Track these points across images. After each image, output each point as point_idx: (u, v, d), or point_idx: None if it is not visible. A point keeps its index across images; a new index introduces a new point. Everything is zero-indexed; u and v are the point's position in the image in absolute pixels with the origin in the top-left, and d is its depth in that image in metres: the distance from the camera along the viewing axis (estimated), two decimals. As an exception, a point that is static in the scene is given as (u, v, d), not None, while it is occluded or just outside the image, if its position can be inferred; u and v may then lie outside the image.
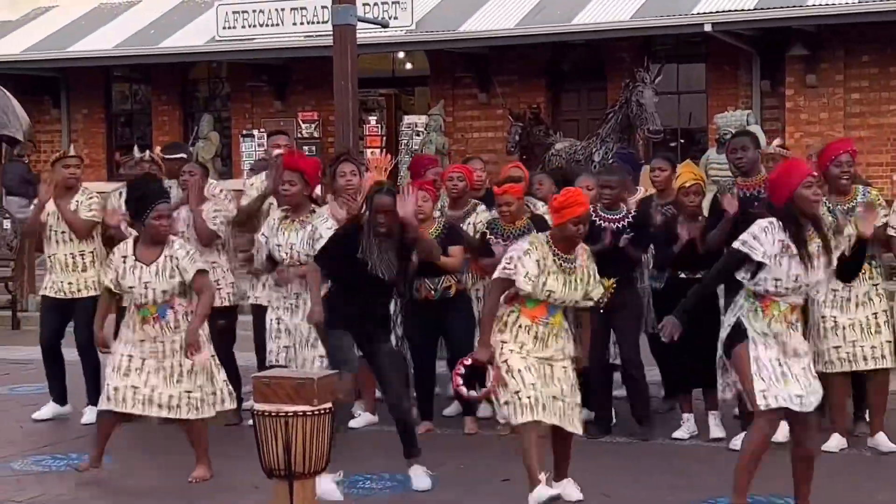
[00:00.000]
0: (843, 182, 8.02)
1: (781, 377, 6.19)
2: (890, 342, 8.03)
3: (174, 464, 7.99)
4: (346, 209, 8.34)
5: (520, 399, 6.58)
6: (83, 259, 9.38)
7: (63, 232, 9.35)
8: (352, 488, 7.40)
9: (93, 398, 9.08)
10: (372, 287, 7.35)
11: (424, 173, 9.52)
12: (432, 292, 8.71)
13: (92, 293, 9.17)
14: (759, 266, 6.23)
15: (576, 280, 6.80)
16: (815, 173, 6.63)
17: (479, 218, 9.13)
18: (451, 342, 8.88)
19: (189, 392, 7.66)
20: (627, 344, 8.60)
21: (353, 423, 9.09)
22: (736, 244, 6.31)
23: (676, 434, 8.61)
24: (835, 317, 8.00)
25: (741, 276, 6.32)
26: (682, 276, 8.45)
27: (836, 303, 8.00)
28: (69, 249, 9.37)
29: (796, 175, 6.32)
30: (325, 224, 8.24)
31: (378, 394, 9.34)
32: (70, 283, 9.38)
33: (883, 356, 8.00)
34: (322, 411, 6.23)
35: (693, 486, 7.34)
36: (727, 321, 6.42)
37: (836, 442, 8.06)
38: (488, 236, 8.70)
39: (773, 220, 6.29)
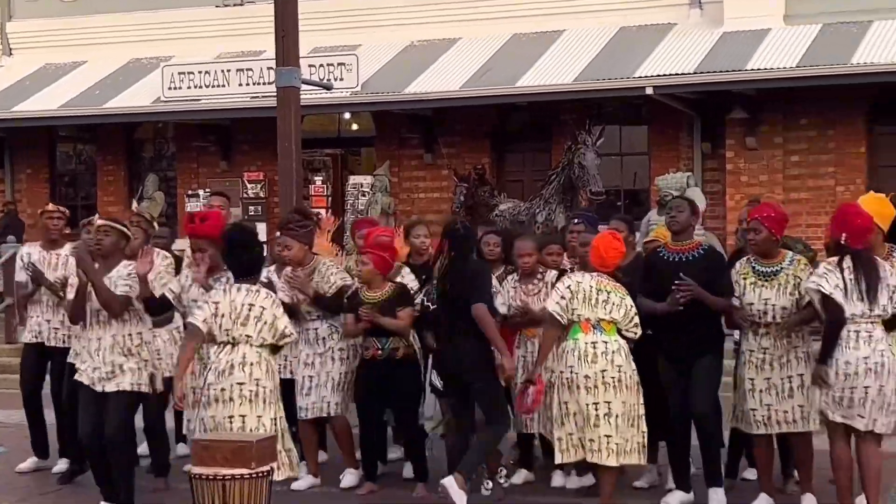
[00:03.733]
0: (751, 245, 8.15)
1: None
2: (802, 406, 7.92)
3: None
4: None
5: None
6: None
7: None
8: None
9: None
10: None
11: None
12: (379, 351, 8.74)
13: None
14: None
15: None
16: None
17: (405, 280, 9.16)
18: (393, 406, 8.89)
19: None
20: None
21: (295, 486, 9.05)
22: None
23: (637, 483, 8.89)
24: (752, 378, 8.02)
25: None
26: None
27: (753, 363, 8.03)
28: None
29: None
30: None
31: (322, 456, 9.40)
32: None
33: (794, 420, 7.94)
34: (260, 474, 6.25)
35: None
36: None
37: (763, 502, 8.11)
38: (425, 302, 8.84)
39: None
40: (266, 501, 6.25)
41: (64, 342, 9.46)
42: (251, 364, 7.38)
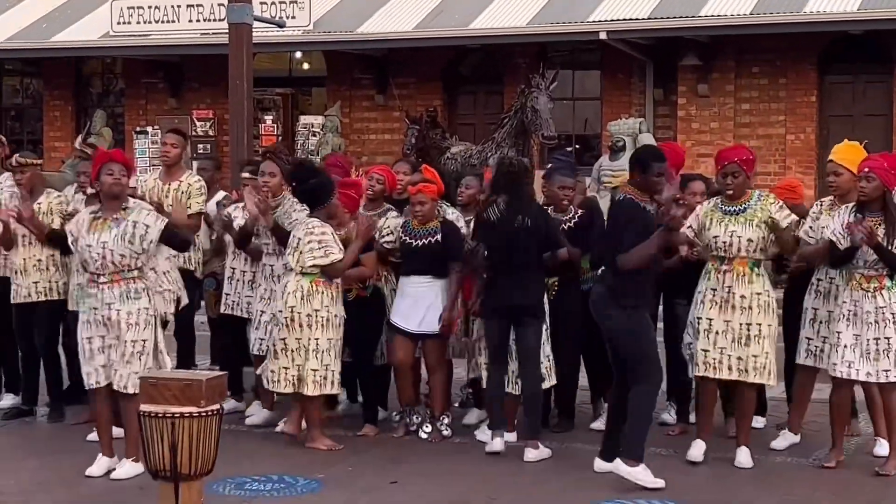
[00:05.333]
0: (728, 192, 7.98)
1: None
2: (757, 356, 7.70)
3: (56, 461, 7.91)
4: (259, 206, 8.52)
5: None
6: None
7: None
8: (239, 490, 7.36)
9: None
10: None
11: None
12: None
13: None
14: None
15: None
16: None
17: (388, 223, 9.05)
18: (350, 343, 8.81)
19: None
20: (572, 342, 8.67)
21: (249, 420, 9.04)
22: None
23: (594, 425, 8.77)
24: (710, 319, 7.76)
25: None
26: None
27: (713, 303, 7.77)
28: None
29: None
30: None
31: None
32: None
33: (746, 370, 7.72)
34: (209, 413, 6.20)
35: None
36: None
37: (698, 448, 7.87)
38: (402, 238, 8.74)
39: None
40: (216, 440, 6.21)
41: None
42: (289, 294, 8.19)
